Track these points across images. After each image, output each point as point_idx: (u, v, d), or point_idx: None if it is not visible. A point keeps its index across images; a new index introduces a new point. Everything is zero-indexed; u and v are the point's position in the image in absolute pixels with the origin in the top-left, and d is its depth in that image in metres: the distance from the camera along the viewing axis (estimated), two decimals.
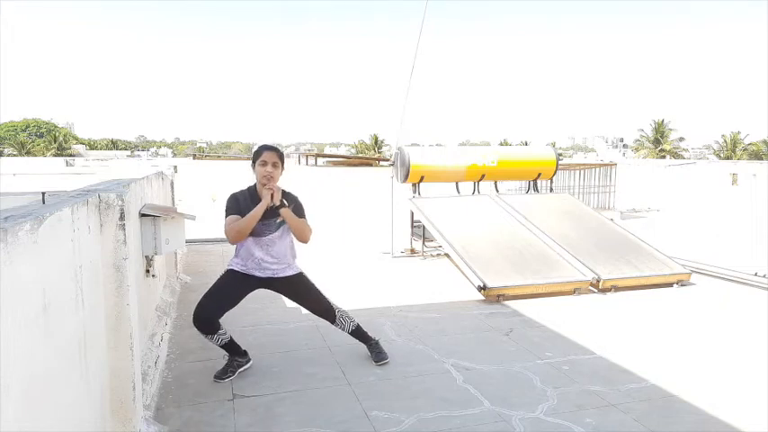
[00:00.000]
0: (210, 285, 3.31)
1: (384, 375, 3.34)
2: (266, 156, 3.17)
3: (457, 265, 5.75)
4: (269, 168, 3.15)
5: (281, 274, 3.32)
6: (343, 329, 3.49)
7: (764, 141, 48.92)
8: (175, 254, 5.42)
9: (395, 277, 5.97)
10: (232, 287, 3.30)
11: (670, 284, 5.53)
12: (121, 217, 2.33)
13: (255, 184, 3.26)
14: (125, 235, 2.33)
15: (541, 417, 2.82)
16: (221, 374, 3.24)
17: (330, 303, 3.46)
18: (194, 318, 3.16)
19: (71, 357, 1.78)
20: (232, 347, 3.32)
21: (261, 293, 3.45)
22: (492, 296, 5.00)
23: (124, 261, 2.32)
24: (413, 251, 7.15)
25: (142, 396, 2.57)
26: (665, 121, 50.67)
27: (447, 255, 6.28)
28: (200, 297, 3.25)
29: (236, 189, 3.33)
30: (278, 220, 3.22)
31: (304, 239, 3.28)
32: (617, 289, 5.34)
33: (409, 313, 4.59)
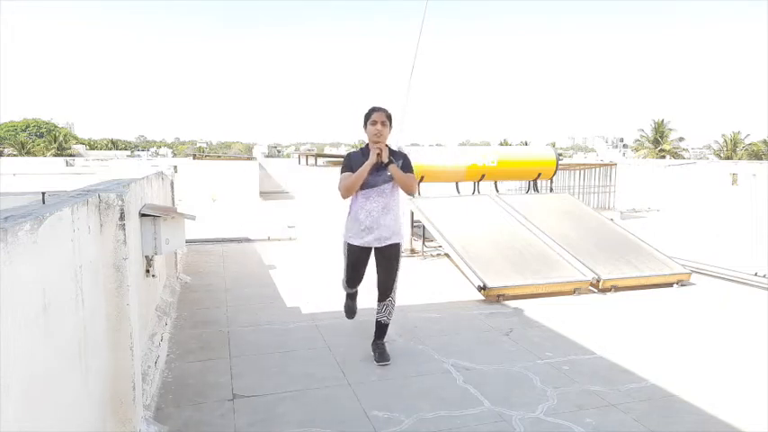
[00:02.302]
0: (346, 265, 3.70)
1: (384, 375, 3.34)
2: (376, 116, 3.48)
3: (457, 265, 5.75)
4: (378, 127, 3.46)
5: (388, 242, 3.54)
6: (378, 314, 3.63)
7: (764, 141, 48.91)
8: (175, 254, 5.42)
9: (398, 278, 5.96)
10: (358, 261, 3.64)
11: (670, 284, 5.53)
12: (121, 217, 2.33)
13: (368, 144, 3.56)
14: (125, 235, 2.33)
15: (541, 417, 2.82)
16: (350, 312, 3.94)
17: (396, 286, 3.66)
18: (348, 284, 3.78)
19: (71, 357, 1.78)
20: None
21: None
22: (492, 296, 5.00)
23: (124, 261, 2.32)
24: (413, 251, 7.15)
25: (142, 396, 2.57)
26: (664, 121, 50.64)
27: (447, 255, 6.28)
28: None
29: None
30: (388, 173, 3.49)
31: (410, 191, 3.58)
32: (617, 289, 5.34)
33: (409, 313, 4.59)
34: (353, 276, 3.69)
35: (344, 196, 3.54)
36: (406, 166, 3.56)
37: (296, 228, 8.54)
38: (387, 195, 3.53)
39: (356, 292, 3.90)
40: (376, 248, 3.55)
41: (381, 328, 3.65)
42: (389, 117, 3.54)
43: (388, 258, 3.58)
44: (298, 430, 2.67)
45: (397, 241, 3.58)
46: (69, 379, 1.76)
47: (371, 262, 3.63)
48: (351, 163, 3.52)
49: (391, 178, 3.49)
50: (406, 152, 3.66)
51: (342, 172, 3.55)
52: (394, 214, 3.57)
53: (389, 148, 3.55)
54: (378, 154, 3.43)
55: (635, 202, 11.34)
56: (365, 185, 3.47)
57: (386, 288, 3.61)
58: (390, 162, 3.45)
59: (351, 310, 3.94)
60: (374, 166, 3.43)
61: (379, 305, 3.63)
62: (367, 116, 3.54)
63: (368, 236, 3.51)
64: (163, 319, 4.01)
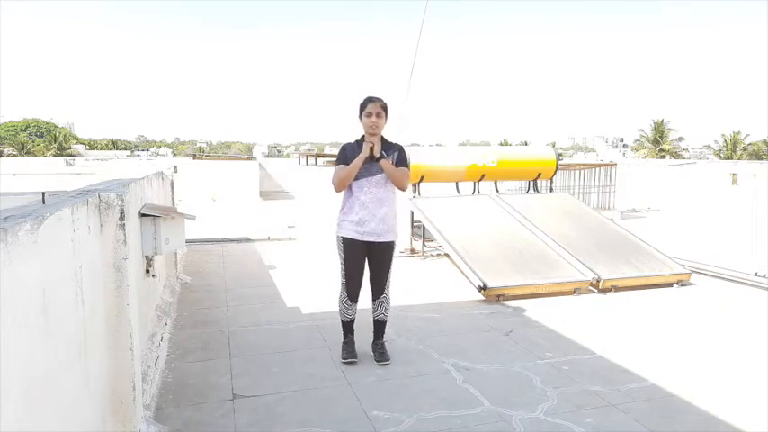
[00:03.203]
0: (342, 266, 3.55)
1: (384, 375, 3.34)
2: (371, 107, 3.43)
3: (457, 265, 5.75)
4: (374, 119, 3.41)
5: (383, 239, 3.48)
6: (374, 312, 3.62)
7: (764, 141, 48.91)
8: (175, 254, 5.42)
9: (395, 277, 5.96)
10: (355, 258, 3.52)
11: (670, 284, 5.53)
12: (121, 217, 2.33)
13: (363, 136, 3.50)
14: (125, 235, 2.33)
15: (541, 417, 2.82)
16: (350, 356, 3.54)
17: (388, 284, 3.62)
18: (347, 295, 3.58)
19: (71, 357, 1.78)
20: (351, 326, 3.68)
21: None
22: (492, 296, 5.00)
23: (124, 261, 2.32)
24: (413, 251, 7.15)
25: (142, 396, 2.57)
26: (664, 121, 50.66)
27: (447, 255, 6.28)
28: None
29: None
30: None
31: (402, 187, 3.52)
32: (617, 289, 5.34)
33: (409, 313, 4.59)
34: (351, 281, 3.53)
35: (337, 189, 3.49)
36: (401, 160, 3.51)
37: (296, 228, 8.54)
38: (381, 186, 3.46)
39: (353, 327, 3.65)
40: (370, 245, 3.49)
41: (380, 327, 3.64)
42: (385, 108, 3.48)
43: (382, 256, 3.53)
44: (298, 430, 2.67)
45: (391, 240, 3.53)
46: (69, 379, 1.76)
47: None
48: (345, 155, 3.48)
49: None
50: (401, 145, 3.63)
51: (336, 164, 3.50)
52: (389, 208, 3.50)
53: (385, 140, 3.51)
54: (370, 148, 3.39)
55: (635, 202, 11.34)
56: (358, 176, 3.42)
57: (379, 285, 3.58)
58: (382, 157, 3.41)
59: (351, 352, 3.57)
60: (367, 159, 3.39)
61: (374, 303, 3.62)
62: (362, 107, 3.48)
63: (362, 228, 3.44)
64: (163, 319, 4.01)
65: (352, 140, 3.57)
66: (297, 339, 3.95)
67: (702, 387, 3.17)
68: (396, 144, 3.58)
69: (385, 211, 3.46)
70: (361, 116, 3.48)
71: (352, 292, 3.58)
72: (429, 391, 3.11)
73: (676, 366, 3.49)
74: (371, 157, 3.40)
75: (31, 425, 1.41)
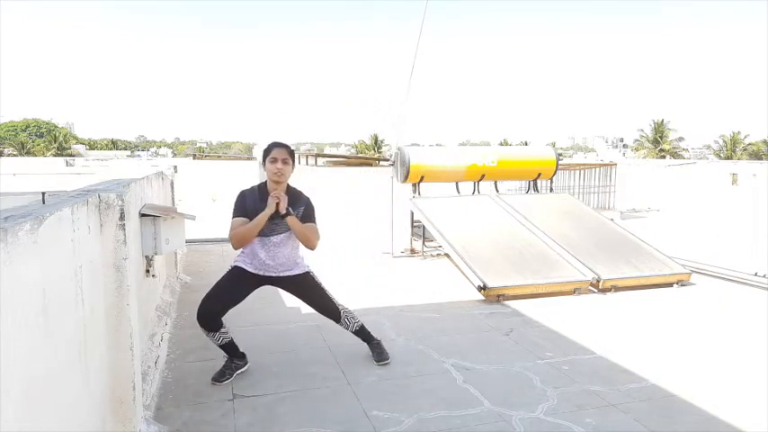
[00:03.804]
0: (215, 283, 3.29)
1: (384, 375, 3.34)
2: (276, 153, 3.12)
3: (457, 265, 5.75)
4: (279, 165, 3.11)
5: (286, 274, 3.29)
6: (348, 329, 3.48)
7: (764, 141, 48.92)
8: (175, 254, 5.42)
9: (395, 277, 5.97)
10: (237, 285, 3.26)
11: (670, 284, 5.53)
12: (121, 217, 2.33)
13: (266, 182, 3.21)
14: (125, 235, 2.33)
15: (541, 417, 2.82)
16: (219, 377, 3.20)
17: (335, 303, 3.42)
18: (198, 314, 3.14)
19: (71, 357, 1.78)
20: (231, 348, 3.29)
21: (261, 292, 3.45)
22: (492, 296, 5.00)
23: (124, 261, 2.32)
24: (413, 251, 7.15)
25: (142, 396, 2.57)
26: (664, 121, 50.69)
27: (447, 255, 6.28)
28: (204, 295, 3.25)
29: (238, 188, 3.32)
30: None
31: (310, 247, 3.21)
32: (617, 289, 5.34)
33: (409, 313, 4.59)
34: (217, 299, 3.16)
35: (236, 247, 3.16)
36: (307, 216, 3.21)
37: None
38: (284, 246, 3.20)
39: (233, 344, 3.29)
40: (275, 280, 3.27)
41: (360, 334, 3.53)
42: (291, 154, 3.18)
43: (300, 286, 3.33)
44: (298, 430, 2.67)
45: (300, 272, 3.30)
46: (69, 379, 1.76)
47: (269, 295, 3.31)
48: (245, 205, 3.14)
49: (288, 228, 3.18)
50: (308, 196, 3.31)
51: (233, 215, 3.13)
52: (291, 246, 3.24)
53: (291, 190, 3.22)
54: (276, 203, 3.07)
55: (635, 202, 11.33)
56: (261, 234, 3.13)
57: (330, 311, 3.39)
58: (288, 213, 3.10)
59: (223, 375, 3.21)
60: (272, 215, 3.09)
61: (340, 324, 3.44)
62: (266, 152, 3.16)
63: (265, 270, 3.22)
64: (163, 319, 4.01)
65: (254, 186, 3.27)
66: (297, 339, 3.95)
67: (702, 387, 3.17)
68: (303, 196, 3.28)
69: (285, 255, 3.22)
70: (264, 162, 3.17)
71: (207, 316, 3.13)
72: (429, 391, 3.11)
73: (676, 366, 3.49)
74: (277, 213, 3.09)
75: (31, 425, 1.41)
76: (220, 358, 3.54)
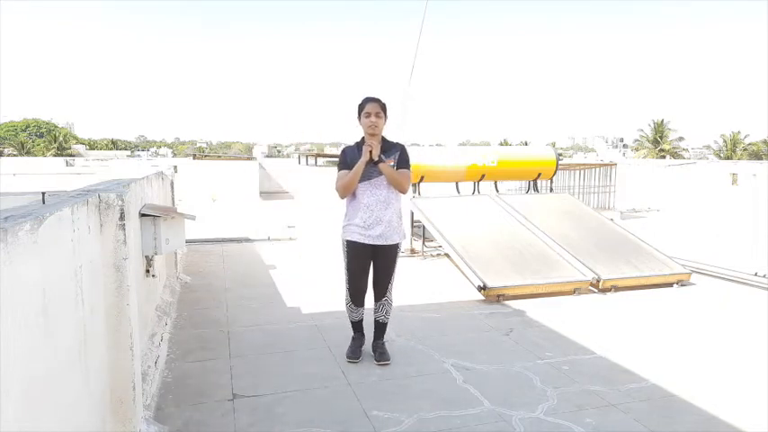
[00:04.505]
0: (346, 268, 3.55)
1: (384, 375, 3.34)
2: (369, 107, 3.38)
3: (457, 265, 5.75)
4: (372, 119, 3.36)
5: (388, 243, 3.45)
6: (376, 313, 3.62)
7: (764, 141, 48.91)
8: (175, 254, 5.42)
9: (395, 278, 5.96)
10: (361, 263, 3.50)
11: (670, 284, 5.53)
12: (121, 217, 2.33)
13: (363, 138, 3.45)
14: (125, 235, 2.33)
15: (541, 417, 2.82)
16: (354, 355, 3.54)
17: (391, 285, 3.60)
18: (351, 295, 3.58)
19: (71, 357, 1.78)
20: (360, 326, 3.69)
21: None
22: (492, 296, 5.00)
23: (124, 261, 2.32)
24: (413, 251, 7.15)
25: (142, 396, 2.57)
26: (664, 121, 50.69)
27: (447, 255, 6.28)
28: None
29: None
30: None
31: (402, 190, 3.46)
32: (617, 289, 5.34)
33: (409, 313, 4.59)
34: (357, 283, 3.53)
35: (342, 196, 3.47)
36: (402, 161, 3.46)
37: (296, 228, 8.54)
38: (383, 188, 3.42)
39: (362, 325, 3.69)
40: (375, 248, 3.46)
41: (380, 328, 3.64)
42: (384, 108, 3.43)
43: (387, 258, 3.51)
44: (298, 430, 2.67)
45: (398, 240, 3.51)
46: (69, 379, 1.76)
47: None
48: (346, 159, 3.44)
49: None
50: (402, 144, 3.58)
51: (338, 169, 3.47)
52: (395, 209, 3.48)
53: (385, 140, 3.47)
54: (369, 152, 3.33)
55: (635, 202, 11.34)
56: (361, 178, 3.38)
57: (382, 287, 3.57)
58: (381, 160, 3.36)
59: (356, 352, 3.58)
60: (368, 162, 3.35)
61: (376, 304, 3.61)
62: (360, 107, 3.43)
63: (368, 232, 3.41)
64: (163, 319, 4.01)
65: (352, 143, 3.53)
66: (297, 339, 3.95)
67: (702, 387, 3.17)
68: (397, 144, 3.53)
69: (390, 213, 3.43)
70: (359, 117, 3.44)
71: (356, 297, 3.58)
72: (429, 391, 3.11)
73: (676, 366, 3.49)
74: (371, 160, 3.36)
75: (31, 425, 1.41)
76: (220, 358, 3.55)
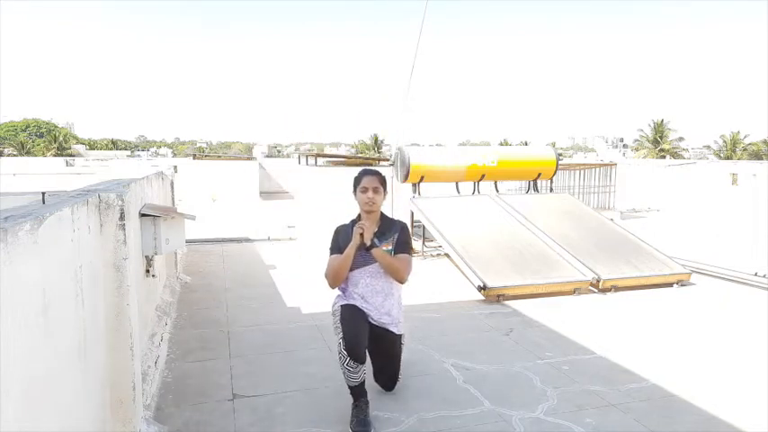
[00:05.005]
0: (341, 324, 2.87)
1: None
2: (366, 182, 2.99)
3: (457, 265, 5.75)
4: (370, 195, 2.97)
5: (387, 328, 3.01)
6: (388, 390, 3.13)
7: (764, 141, 48.92)
8: (175, 254, 5.42)
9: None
10: (357, 317, 2.92)
11: (670, 284, 5.53)
12: (121, 217, 2.33)
13: (359, 215, 3.06)
14: (125, 235, 2.33)
15: (541, 417, 2.82)
16: (363, 427, 2.66)
17: (400, 367, 3.14)
18: (348, 350, 2.71)
19: (71, 357, 1.78)
20: (362, 390, 2.80)
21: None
22: (492, 296, 5.00)
23: (124, 261, 2.32)
24: (413, 251, 7.14)
25: (142, 396, 2.57)
26: (664, 121, 50.70)
27: (447, 255, 6.28)
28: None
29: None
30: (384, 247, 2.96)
31: (399, 279, 2.98)
32: (617, 289, 5.34)
33: (409, 313, 4.58)
34: (354, 330, 2.78)
35: (332, 285, 2.98)
36: (402, 243, 2.99)
37: (296, 228, 8.54)
38: (382, 277, 2.97)
39: (365, 388, 2.77)
40: (373, 326, 2.96)
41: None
42: (383, 181, 3.02)
43: (388, 343, 3.02)
44: (298, 430, 2.67)
45: (397, 333, 3.05)
46: (69, 379, 1.76)
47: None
48: (339, 241, 3.00)
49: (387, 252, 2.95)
50: (404, 223, 3.12)
51: (330, 253, 3.02)
52: (395, 300, 3.05)
53: (384, 218, 3.07)
54: (360, 234, 2.88)
55: (635, 202, 11.33)
56: (355, 265, 2.95)
57: (390, 374, 3.08)
58: (373, 245, 2.91)
59: (362, 420, 2.68)
60: (360, 246, 2.90)
61: (387, 391, 3.09)
62: (357, 180, 3.03)
63: (368, 311, 2.97)
64: (163, 319, 4.01)
65: (348, 221, 3.09)
66: (297, 339, 3.95)
67: (702, 387, 3.17)
68: (397, 222, 3.09)
69: (389, 305, 3.01)
70: (355, 191, 3.03)
71: (354, 348, 2.72)
72: (429, 391, 3.11)
73: (676, 366, 3.49)
74: (364, 245, 2.91)
75: (31, 425, 1.41)
76: (220, 358, 3.55)
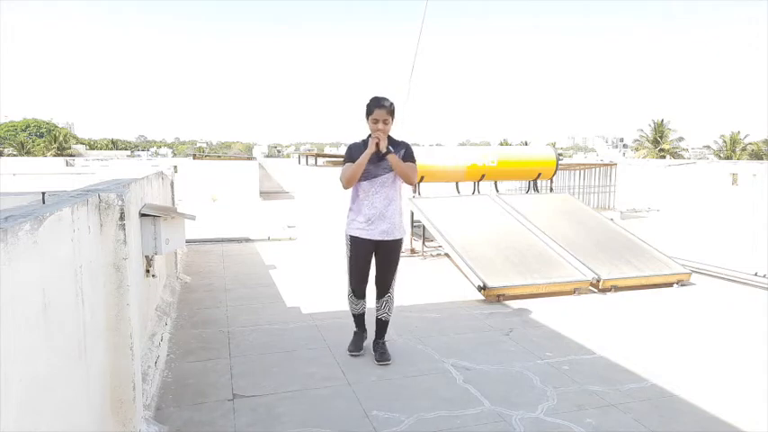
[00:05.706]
0: (348, 262, 3.60)
1: (384, 375, 3.34)
2: (377, 113, 3.39)
3: (457, 265, 5.75)
4: (380, 126, 3.39)
5: (390, 238, 3.49)
6: (378, 311, 3.63)
7: (764, 141, 48.91)
8: (175, 254, 5.42)
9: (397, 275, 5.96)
10: (362, 257, 3.55)
11: (670, 284, 5.53)
12: (121, 217, 2.33)
13: (370, 135, 3.48)
14: (125, 235, 2.33)
15: (541, 417, 2.82)
16: (356, 349, 3.65)
17: (394, 282, 3.64)
18: (353, 289, 3.63)
19: (71, 357, 1.78)
20: (361, 320, 3.76)
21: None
22: (492, 296, 5.00)
23: (124, 261, 2.32)
24: (413, 251, 7.14)
25: (142, 396, 2.57)
26: (664, 121, 50.70)
27: (447, 255, 6.28)
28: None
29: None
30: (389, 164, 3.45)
31: (409, 182, 3.52)
32: (617, 289, 5.34)
33: (409, 313, 4.59)
34: (358, 275, 3.57)
35: (346, 187, 3.52)
36: (408, 156, 3.52)
37: (296, 228, 8.54)
38: (389, 186, 3.48)
39: (363, 320, 3.76)
40: (378, 244, 3.50)
41: (382, 326, 3.64)
42: (392, 112, 3.46)
43: (390, 253, 3.55)
44: (298, 430, 2.67)
45: (400, 236, 3.56)
46: (69, 379, 1.76)
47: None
48: (352, 154, 3.49)
49: (392, 168, 3.45)
50: (407, 143, 3.63)
51: (344, 163, 3.52)
52: (397, 206, 3.54)
53: (391, 139, 3.51)
54: (376, 144, 3.37)
55: (635, 202, 11.32)
56: (366, 176, 3.44)
57: (385, 284, 3.60)
58: (389, 152, 3.41)
59: (358, 345, 3.69)
60: (374, 155, 3.39)
61: (378, 302, 3.62)
62: (368, 111, 3.45)
63: (372, 228, 3.46)
64: (163, 319, 4.01)
65: (359, 140, 3.57)
66: (297, 339, 3.95)
67: (702, 387, 3.17)
68: (402, 142, 3.58)
69: (392, 210, 3.49)
70: (367, 117, 3.46)
71: (358, 289, 3.62)
72: (429, 391, 3.11)
73: (676, 366, 3.49)
74: (378, 154, 3.39)
75: (31, 425, 1.41)
76: (220, 358, 3.55)
